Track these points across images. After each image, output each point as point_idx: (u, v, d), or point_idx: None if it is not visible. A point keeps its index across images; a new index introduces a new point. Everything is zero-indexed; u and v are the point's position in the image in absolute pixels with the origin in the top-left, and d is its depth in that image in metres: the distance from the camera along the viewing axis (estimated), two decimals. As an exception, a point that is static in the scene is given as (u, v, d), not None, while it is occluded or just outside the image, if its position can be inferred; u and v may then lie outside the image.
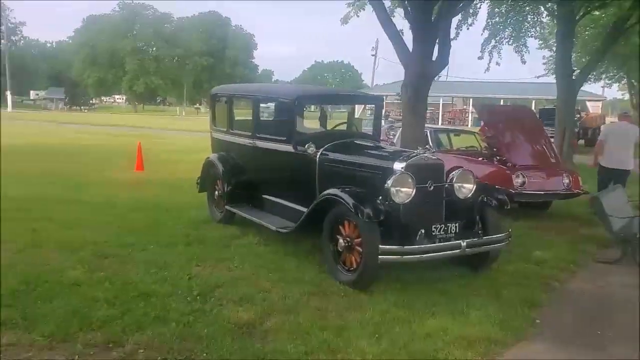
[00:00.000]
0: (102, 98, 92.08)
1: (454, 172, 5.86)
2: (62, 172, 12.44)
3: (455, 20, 12.35)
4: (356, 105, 15.81)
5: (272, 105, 8.20)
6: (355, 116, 8.63)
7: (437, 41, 9.25)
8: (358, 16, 13.00)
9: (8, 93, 59.76)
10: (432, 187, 5.50)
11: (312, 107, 10.51)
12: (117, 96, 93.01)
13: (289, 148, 6.44)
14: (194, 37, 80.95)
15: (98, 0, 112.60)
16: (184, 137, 26.55)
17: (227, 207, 7.38)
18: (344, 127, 7.75)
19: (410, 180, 5.27)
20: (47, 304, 4.46)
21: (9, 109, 56.92)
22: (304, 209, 6.03)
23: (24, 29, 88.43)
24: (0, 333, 3.94)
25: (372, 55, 56.57)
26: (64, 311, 4.31)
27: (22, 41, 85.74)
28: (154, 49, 77.67)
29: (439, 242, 5.33)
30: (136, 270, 5.45)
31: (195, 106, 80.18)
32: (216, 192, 7.75)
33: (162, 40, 76.34)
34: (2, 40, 70.74)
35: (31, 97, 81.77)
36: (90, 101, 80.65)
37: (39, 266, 5.43)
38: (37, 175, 11.73)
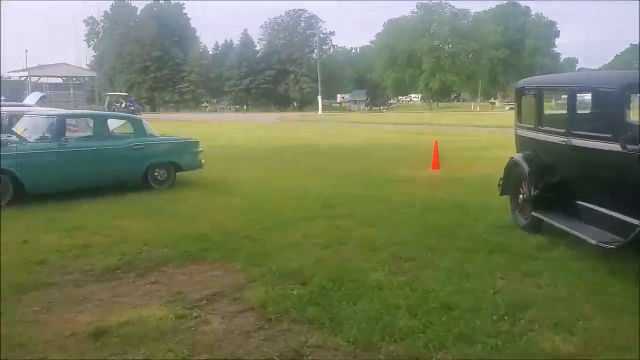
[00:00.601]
0: (399, 98, 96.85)
1: None
2: (363, 169, 13.11)
3: None
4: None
5: (590, 96, 7.08)
6: None
7: None
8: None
9: (319, 98, 67.20)
10: None
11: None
12: (412, 95, 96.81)
13: (614, 147, 5.38)
14: (490, 30, 79.28)
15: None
16: (479, 133, 25.95)
17: (533, 213, 6.61)
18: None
19: None
20: (350, 306, 4.45)
21: (320, 112, 63.95)
22: (634, 221, 4.97)
23: (333, 38, 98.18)
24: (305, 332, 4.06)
25: None
26: (366, 316, 4.23)
27: (331, 49, 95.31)
28: (450, 46, 78.44)
29: None
30: (436, 278, 5.16)
31: (489, 100, 78.49)
32: (520, 196, 7.03)
33: (458, 36, 76.67)
34: (315, 50, 79.90)
35: (337, 100, 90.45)
36: (389, 101, 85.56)
37: (343, 264, 5.56)
38: (341, 172, 12.57)
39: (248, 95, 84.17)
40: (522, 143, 7.42)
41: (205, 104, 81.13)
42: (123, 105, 49.57)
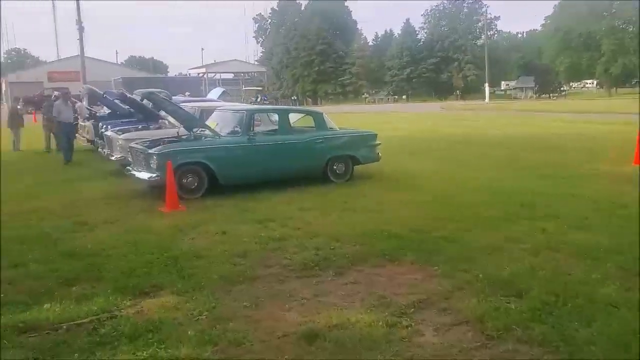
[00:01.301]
0: (571, 84, 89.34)
1: None
2: (551, 162, 12.05)
3: None
4: None
5: None
6: None
7: None
8: None
9: (486, 85, 64.21)
10: None
11: None
12: (587, 81, 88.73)
13: None
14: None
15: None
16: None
17: None
18: None
19: None
20: (584, 326, 3.85)
21: (486, 100, 61.12)
22: None
23: (497, 24, 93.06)
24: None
25: None
26: (608, 340, 3.62)
27: (496, 35, 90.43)
28: (634, 26, 70.42)
29: None
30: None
31: (683, 85, 69.16)
32: None
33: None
34: (483, 36, 76.49)
35: (502, 88, 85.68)
36: (561, 88, 79.20)
37: (561, 275, 4.92)
38: (528, 166, 11.64)
39: (408, 84, 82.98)
40: None
41: (365, 95, 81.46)
42: (258, 99, 52.37)
